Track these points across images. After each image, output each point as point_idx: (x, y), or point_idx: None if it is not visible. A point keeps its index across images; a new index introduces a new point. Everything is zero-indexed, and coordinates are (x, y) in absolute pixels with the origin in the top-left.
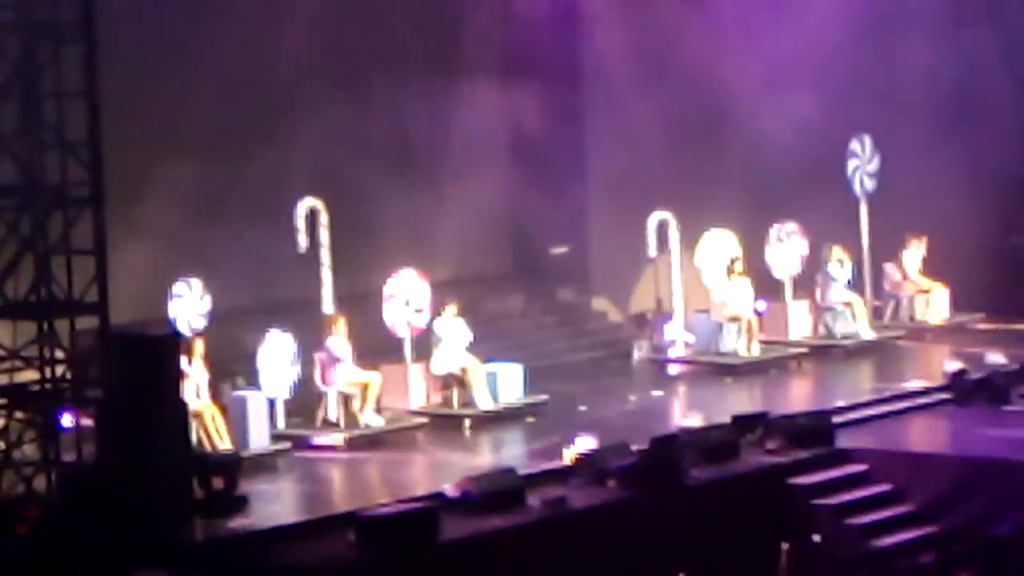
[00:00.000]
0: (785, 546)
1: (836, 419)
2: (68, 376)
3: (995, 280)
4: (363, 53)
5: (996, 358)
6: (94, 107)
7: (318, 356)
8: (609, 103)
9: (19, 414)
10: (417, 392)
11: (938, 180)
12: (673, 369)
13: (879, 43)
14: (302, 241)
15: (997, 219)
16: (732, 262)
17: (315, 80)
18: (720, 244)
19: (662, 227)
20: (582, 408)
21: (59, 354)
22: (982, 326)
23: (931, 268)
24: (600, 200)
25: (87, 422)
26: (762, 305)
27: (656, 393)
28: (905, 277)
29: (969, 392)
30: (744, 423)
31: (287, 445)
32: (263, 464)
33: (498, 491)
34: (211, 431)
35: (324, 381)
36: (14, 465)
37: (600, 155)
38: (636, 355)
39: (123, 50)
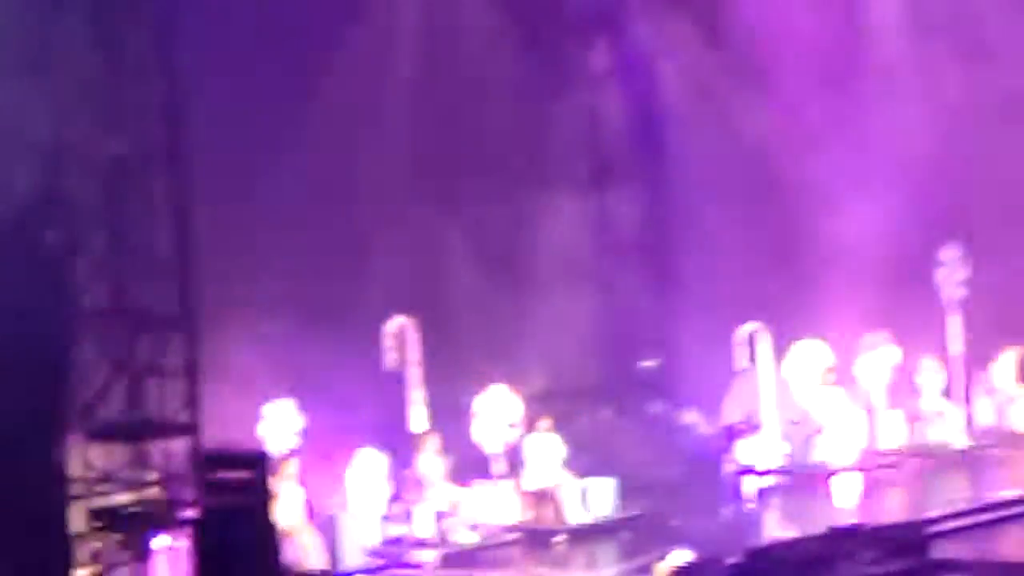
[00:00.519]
0: None
1: (930, 529)
2: (161, 498)
3: None
4: (450, 164)
5: None
6: (184, 227)
7: (409, 474)
8: (695, 211)
9: (113, 536)
10: (510, 508)
11: None
12: (767, 480)
13: (969, 141)
14: (390, 359)
15: None
16: (823, 372)
17: (402, 191)
18: (810, 354)
19: (751, 338)
20: (675, 522)
21: (152, 476)
22: None
23: None
24: (688, 311)
25: (181, 544)
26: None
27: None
28: (999, 385)
29: None
30: (839, 534)
31: (381, 562)
32: None
33: None
34: (304, 550)
35: (416, 499)
36: None
37: (687, 264)
38: (727, 468)
39: (211, 168)
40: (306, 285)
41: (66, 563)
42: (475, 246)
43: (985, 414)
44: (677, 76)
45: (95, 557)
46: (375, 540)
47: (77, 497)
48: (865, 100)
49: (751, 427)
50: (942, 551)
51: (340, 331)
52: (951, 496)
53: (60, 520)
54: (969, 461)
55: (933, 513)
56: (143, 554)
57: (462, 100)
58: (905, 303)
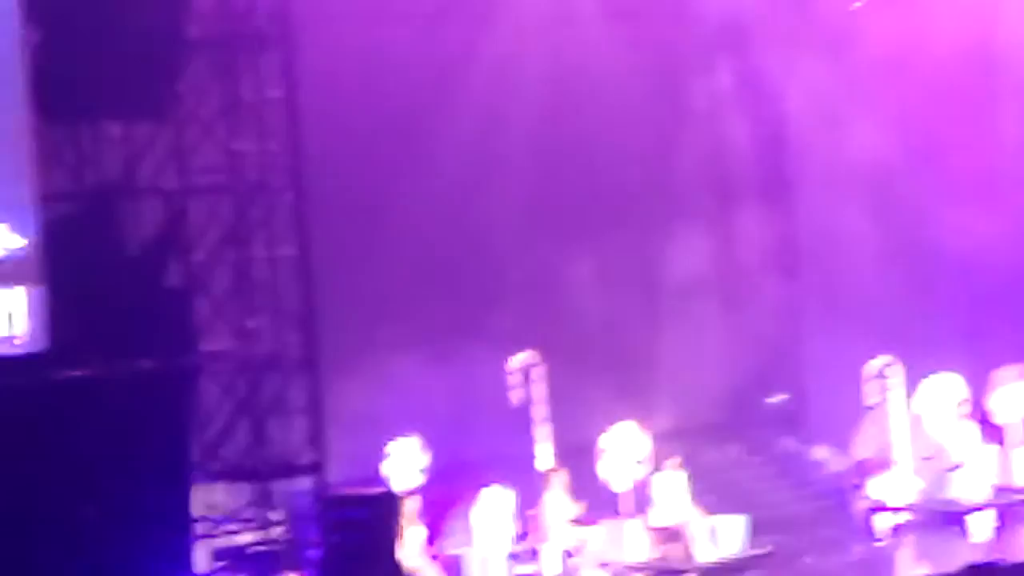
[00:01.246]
0: None
1: None
2: (286, 537)
3: None
4: (575, 196)
5: None
6: (306, 267)
7: (535, 513)
8: (824, 238)
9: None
10: (638, 546)
11: None
12: (900, 517)
13: None
14: (514, 396)
15: None
16: (956, 406)
17: (527, 226)
18: (942, 388)
19: (882, 371)
20: (807, 560)
21: (276, 515)
22: None
23: None
24: (818, 343)
25: None
26: None
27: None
28: None
29: None
30: (977, 572)
31: None
32: None
33: None
34: None
35: (542, 537)
36: None
37: (813, 299)
38: (858, 504)
39: (334, 209)
40: (431, 322)
41: None
42: (602, 280)
43: None
44: (801, 97)
45: None
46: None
47: (202, 537)
48: (1001, 125)
49: (883, 463)
50: None
51: (465, 368)
52: None
53: (186, 560)
54: None
55: None
56: None
57: (586, 129)
58: None
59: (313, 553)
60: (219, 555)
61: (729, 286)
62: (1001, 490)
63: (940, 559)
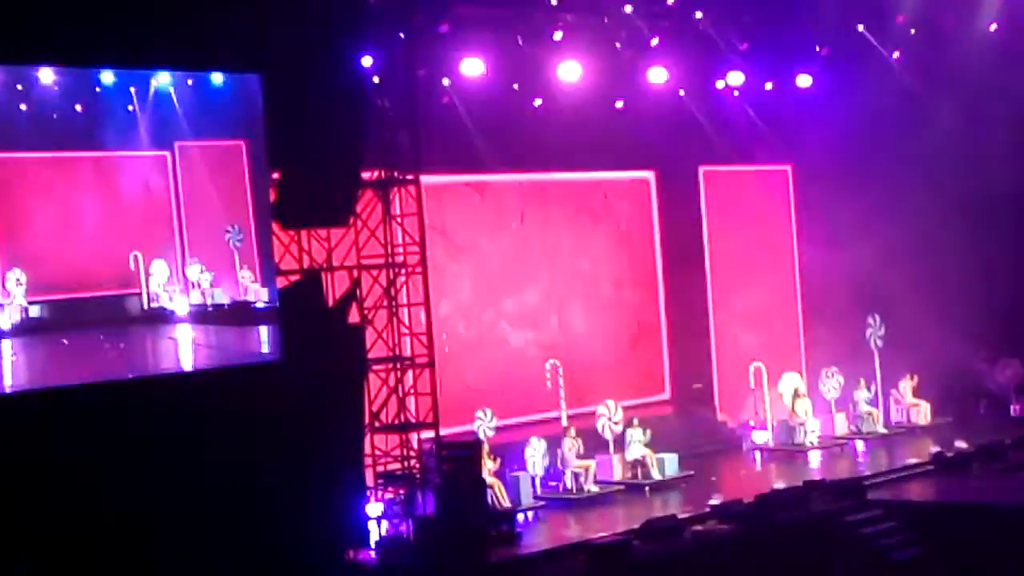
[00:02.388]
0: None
1: (866, 482)
2: (417, 467)
3: (958, 397)
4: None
5: (961, 444)
6: (428, 310)
7: (559, 450)
8: (723, 303)
9: (390, 491)
10: (617, 470)
11: (925, 336)
12: (766, 453)
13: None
14: (549, 384)
15: (961, 364)
16: (800, 390)
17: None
18: (792, 379)
19: (756, 370)
20: (713, 478)
21: (411, 453)
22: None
23: (919, 391)
24: (720, 354)
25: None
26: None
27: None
28: (902, 397)
29: (945, 465)
30: (811, 485)
31: (542, 503)
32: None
33: (666, 528)
34: (498, 495)
35: (563, 465)
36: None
37: (719, 331)
38: (744, 446)
39: (440, 278)
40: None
41: (361, 502)
42: (593, 320)
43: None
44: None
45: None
46: (538, 490)
47: (369, 466)
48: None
49: (759, 423)
50: (872, 495)
51: (518, 369)
52: (877, 462)
53: (359, 486)
54: (886, 441)
55: (867, 472)
56: (408, 500)
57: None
58: (848, 346)
59: (433, 476)
60: (379, 476)
61: (670, 324)
62: (823, 437)
63: (790, 477)
